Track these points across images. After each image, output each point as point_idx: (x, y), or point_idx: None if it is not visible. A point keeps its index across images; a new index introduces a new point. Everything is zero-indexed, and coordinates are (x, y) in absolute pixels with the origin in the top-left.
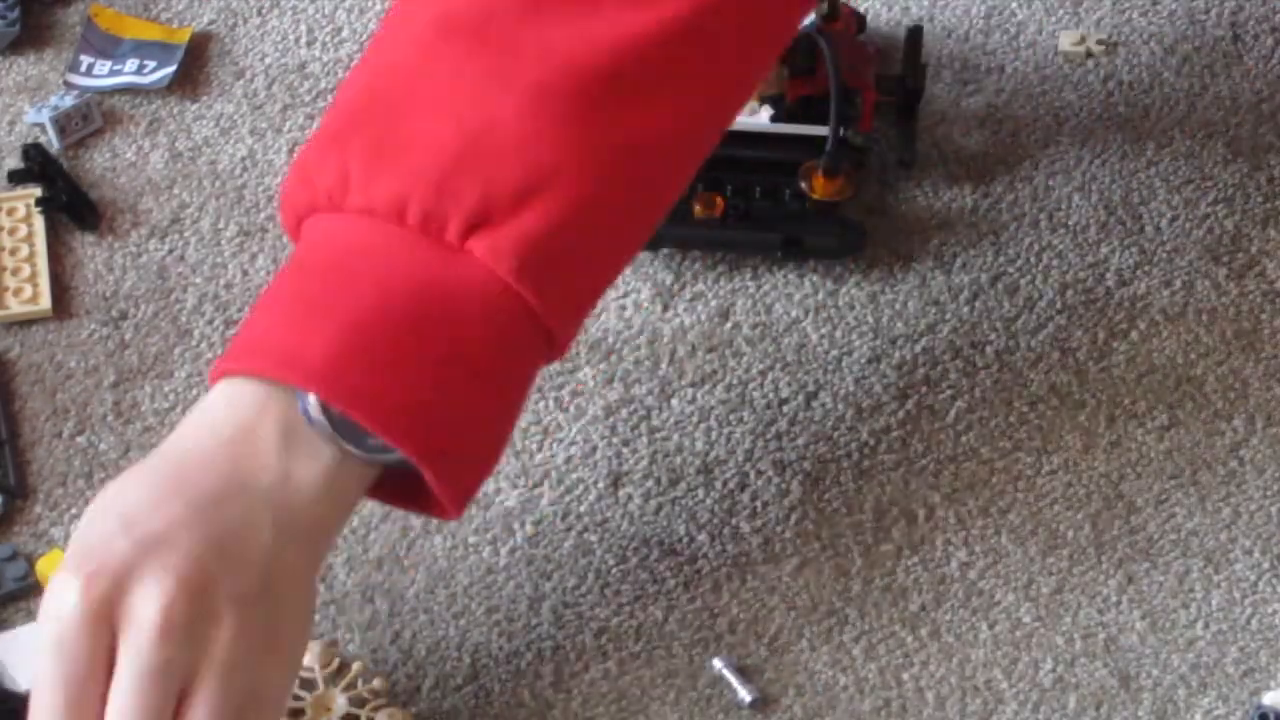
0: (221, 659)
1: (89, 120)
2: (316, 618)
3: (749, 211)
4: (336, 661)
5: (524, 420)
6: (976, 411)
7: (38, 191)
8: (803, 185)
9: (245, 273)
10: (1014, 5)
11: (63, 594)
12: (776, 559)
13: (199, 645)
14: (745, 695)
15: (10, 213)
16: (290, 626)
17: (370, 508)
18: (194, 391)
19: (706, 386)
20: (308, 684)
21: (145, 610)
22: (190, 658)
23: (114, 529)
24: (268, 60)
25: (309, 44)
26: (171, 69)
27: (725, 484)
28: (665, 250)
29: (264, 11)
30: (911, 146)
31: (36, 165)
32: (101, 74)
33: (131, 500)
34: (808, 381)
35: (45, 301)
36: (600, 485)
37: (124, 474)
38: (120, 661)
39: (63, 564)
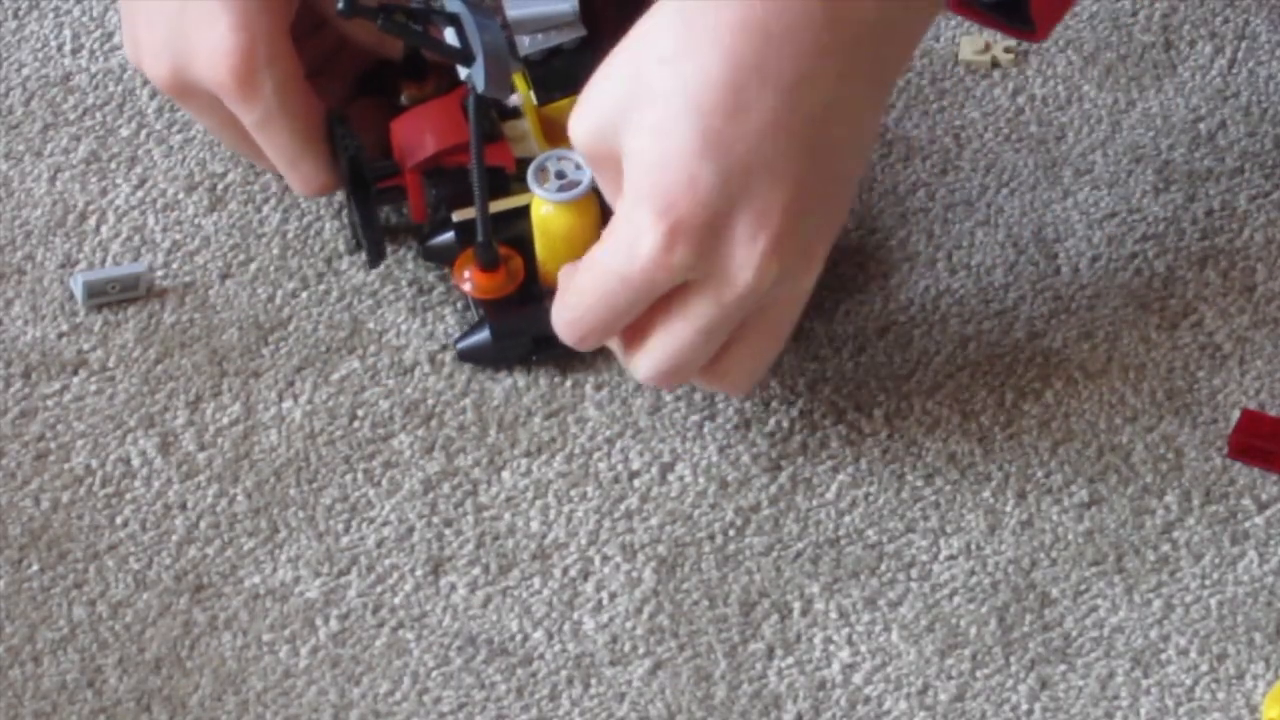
0: (794, 301)
1: None
2: None
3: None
4: None
5: (328, 496)
6: (862, 486)
7: None
8: (464, 284)
9: None
10: None
11: (639, 238)
12: (625, 660)
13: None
14: None
15: None
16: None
17: (147, 599)
18: None
19: (544, 456)
20: None
21: (739, 274)
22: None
23: (693, 146)
24: (25, 72)
25: (74, 52)
26: None
27: (565, 571)
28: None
29: (21, 14)
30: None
31: None
32: None
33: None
34: (663, 451)
35: None
36: (418, 573)
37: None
38: (692, 303)
39: (634, 189)
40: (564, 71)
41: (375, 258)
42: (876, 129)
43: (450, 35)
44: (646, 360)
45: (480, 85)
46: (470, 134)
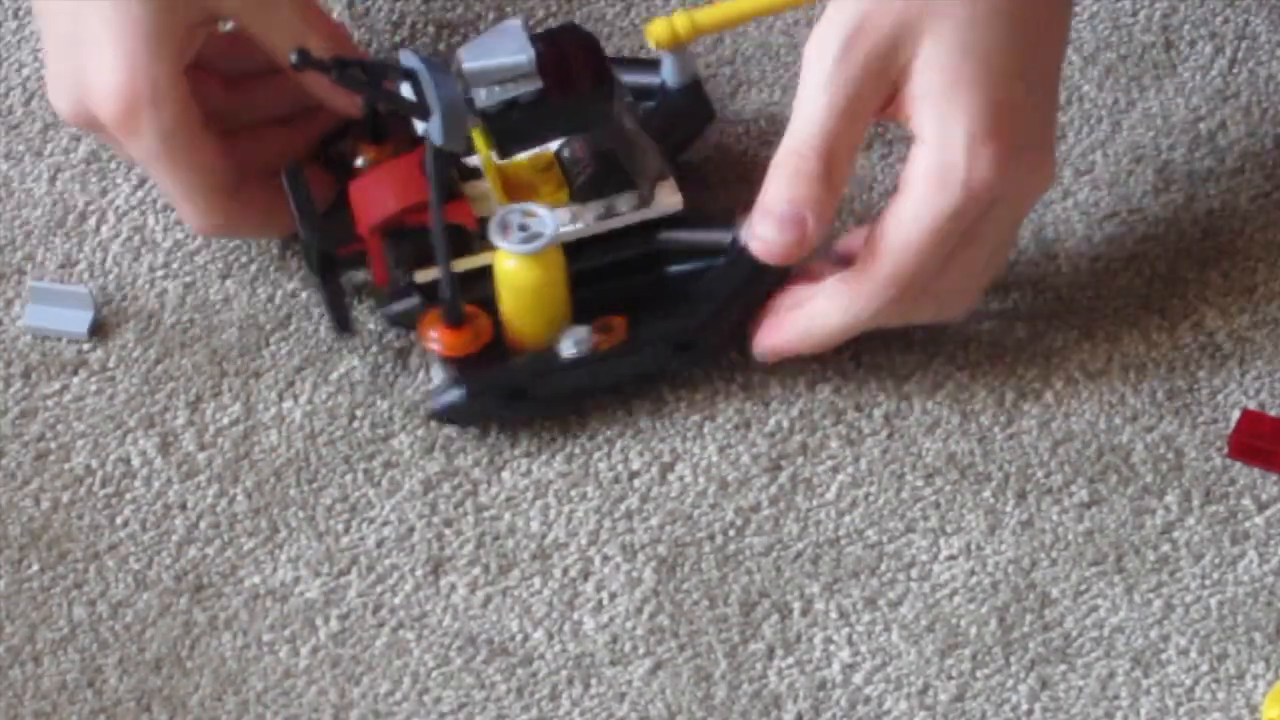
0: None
1: None
2: None
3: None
4: None
5: (328, 496)
6: (862, 486)
7: None
8: (431, 344)
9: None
10: None
11: (974, 162)
12: (626, 660)
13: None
14: None
15: None
16: None
17: (147, 599)
18: None
19: (544, 456)
20: None
21: (1037, 185)
22: None
23: (1010, 66)
24: (25, 72)
25: None
26: None
27: (565, 571)
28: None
29: (21, 14)
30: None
31: None
32: None
33: None
34: (663, 451)
35: None
36: (418, 573)
37: None
38: (996, 223)
39: (949, 111)
40: (521, 125)
41: (342, 326)
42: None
43: (406, 90)
44: (944, 291)
45: (438, 139)
46: (430, 189)
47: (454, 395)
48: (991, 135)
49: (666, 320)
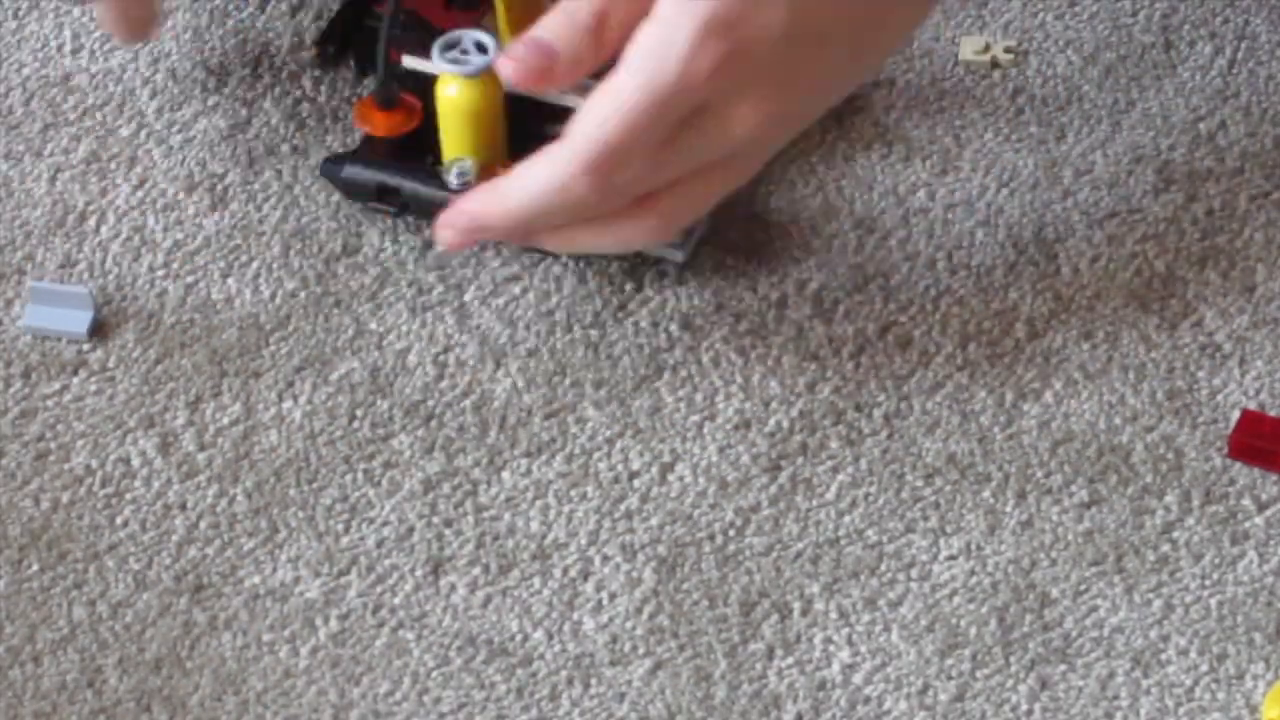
0: (758, 163)
1: None
2: None
3: None
4: None
5: (328, 496)
6: (862, 486)
7: None
8: (361, 123)
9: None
10: None
11: (697, 51)
12: (625, 660)
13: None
14: None
15: None
16: None
17: (147, 599)
18: None
19: (544, 457)
20: None
21: (738, 125)
22: None
23: None
24: (25, 71)
25: (74, 52)
26: None
27: (565, 572)
28: (498, 300)
29: (21, 14)
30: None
31: None
32: None
33: None
34: (663, 451)
35: None
36: (418, 573)
37: None
38: (692, 144)
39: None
40: None
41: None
42: (904, 38)
43: None
44: (674, 206)
45: None
46: None
47: (349, 166)
48: (726, 37)
49: None
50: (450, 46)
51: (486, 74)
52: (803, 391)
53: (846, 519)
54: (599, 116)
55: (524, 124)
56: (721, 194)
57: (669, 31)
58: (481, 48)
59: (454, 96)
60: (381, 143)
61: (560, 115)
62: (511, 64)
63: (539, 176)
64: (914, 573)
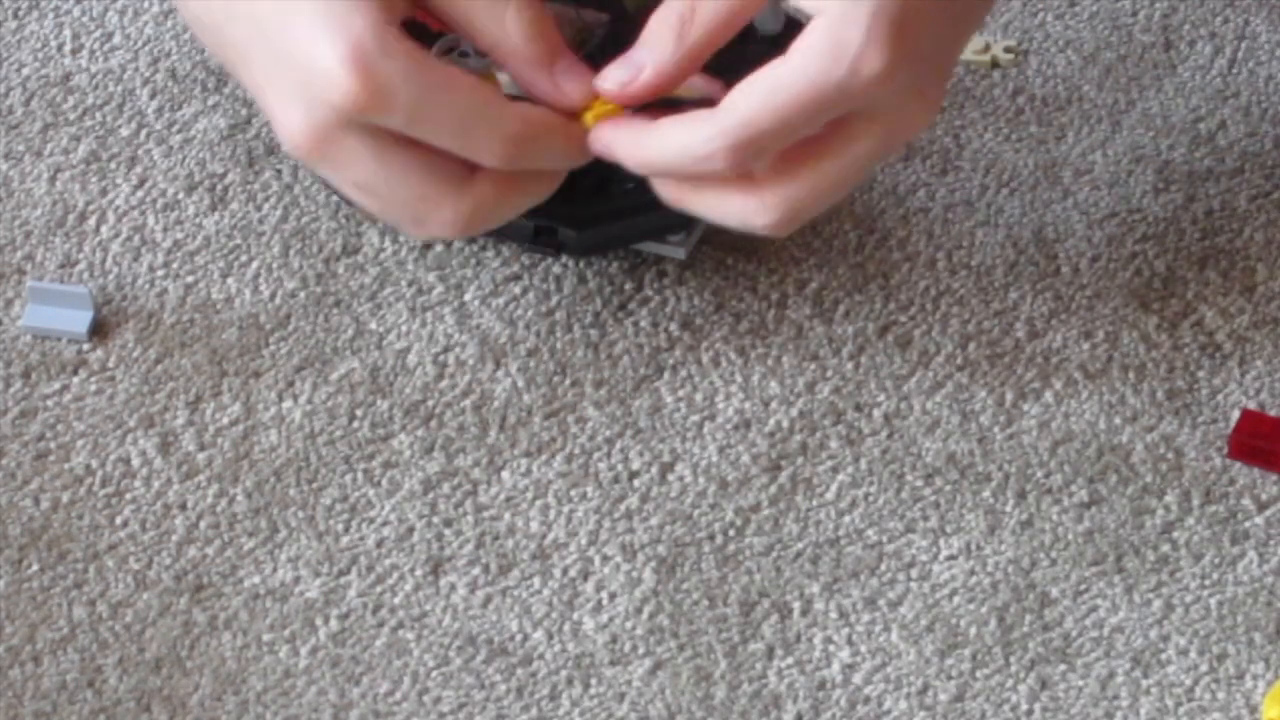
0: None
1: None
2: None
3: None
4: None
5: (328, 497)
6: (862, 486)
7: None
8: None
9: None
10: None
11: (864, 51)
12: (625, 660)
13: None
14: None
15: None
16: None
17: (147, 599)
18: None
19: (543, 457)
20: None
21: (913, 120)
22: None
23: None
24: (25, 71)
25: (74, 52)
26: None
27: (565, 571)
28: (498, 300)
29: (21, 14)
30: None
31: None
32: None
33: None
34: (663, 451)
35: None
36: (418, 573)
37: None
38: (859, 137)
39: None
40: None
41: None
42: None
43: None
44: (787, 196)
45: None
46: None
47: None
48: (895, 37)
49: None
50: (449, 49)
51: (485, 75)
52: (803, 391)
53: (846, 519)
54: (756, 102)
55: None
56: (834, 195)
57: (842, 30)
58: (480, 50)
59: None
60: None
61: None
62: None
63: (680, 140)
64: (914, 573)
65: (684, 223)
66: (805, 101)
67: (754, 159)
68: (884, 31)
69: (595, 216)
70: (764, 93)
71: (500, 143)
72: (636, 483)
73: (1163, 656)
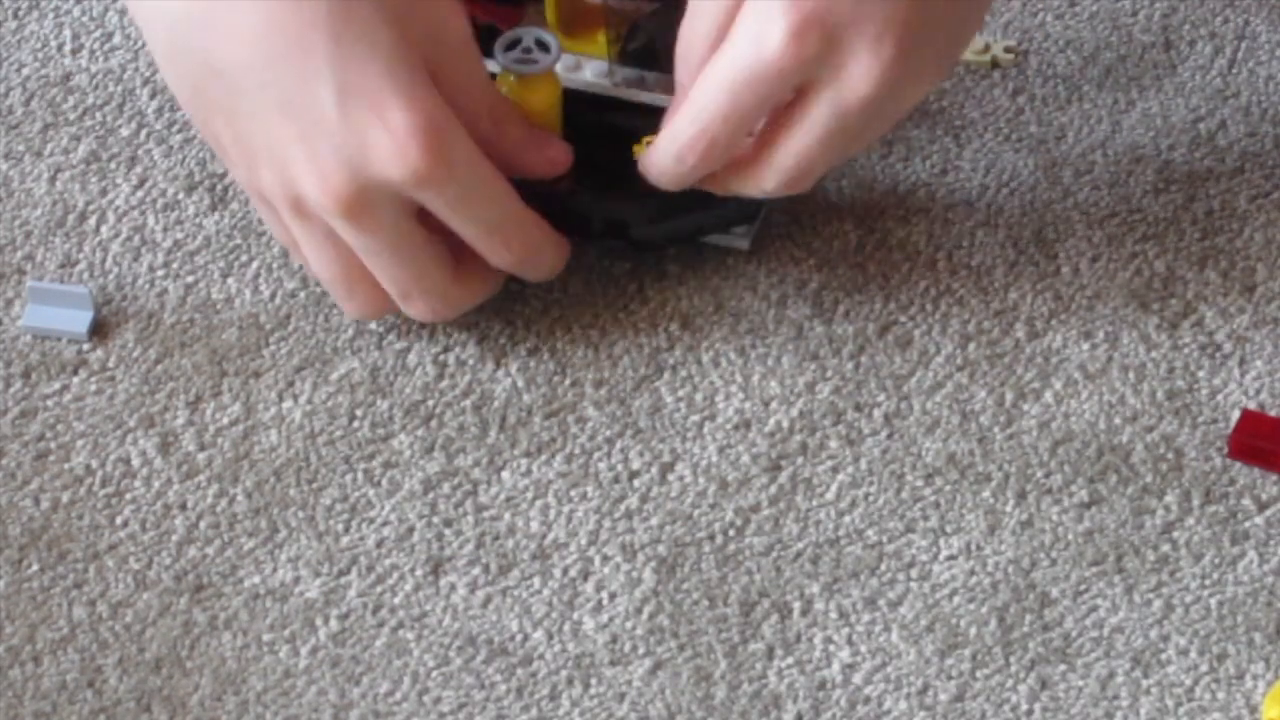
0: (900, 113)
1: None
2: None
3: None
4: None
5: (328, 497)
6: (862, 486)
7: None
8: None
9: None
10: None
11: (769, 27)
12: (625, 660)
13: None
14: None
15: None
16: None
17: (147, 599)
18: None
19: (544, 457)
20: None
21: (860, 81)
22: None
23: None
24: (25, 71)
25: (74, 52)
26: None
27: (565, 571)
28: (499, 300)
29: (20, 14)
30: None
31: None
32: None
33: None
34: (663, 451)
35: None
36: (418, 573)
37: None
38: (812, 111)
39: None
40: None
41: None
42: None
43: None
44: (771, 173)
45: None
46: None
47: None
48: (795, 9)
49: (602, 200)
50: (511, 46)
51: (548, 76)
52: (803, 391)
53: (846, 519)
54: (698, 99)
55: (582, 118)
56: (858, 149)
57: (755, 20)
58: (543, 45)
59: (525, 94)
60: None
61: (618, 107)
62: (645, 161)
63: (660, 151)
64: (914, 573)
65: (749, 215)
66: (743, 87)
67: (723, 147)
68: (784, 7)
69: (666, 210)
70: (706, 86)
71: (520, 243)
72: (636, 483)
73: (1163, 656)
